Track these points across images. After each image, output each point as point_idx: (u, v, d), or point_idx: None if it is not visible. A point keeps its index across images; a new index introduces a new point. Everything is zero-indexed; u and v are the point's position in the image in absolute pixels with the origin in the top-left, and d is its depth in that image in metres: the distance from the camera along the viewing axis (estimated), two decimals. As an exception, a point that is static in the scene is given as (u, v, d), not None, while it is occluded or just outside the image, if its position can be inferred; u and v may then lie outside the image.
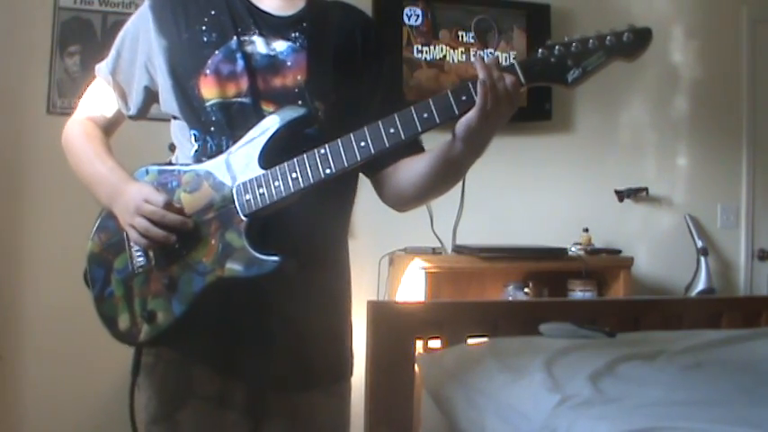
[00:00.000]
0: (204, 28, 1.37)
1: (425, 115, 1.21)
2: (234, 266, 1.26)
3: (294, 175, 1.25)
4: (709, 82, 3.67)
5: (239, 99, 1.34)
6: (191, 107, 1.36)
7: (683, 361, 1.90)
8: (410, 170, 1.38)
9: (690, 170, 3.67)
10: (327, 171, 1.24)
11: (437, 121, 1.21)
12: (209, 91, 1.34)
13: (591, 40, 1.17)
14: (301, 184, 1.25)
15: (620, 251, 3.30)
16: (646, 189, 3.49)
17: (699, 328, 2.33)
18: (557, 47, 1.18)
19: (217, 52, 1.35)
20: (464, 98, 1.20)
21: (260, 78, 1.35)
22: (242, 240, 1.26)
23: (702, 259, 3.46)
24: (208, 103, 1.34)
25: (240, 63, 1.34)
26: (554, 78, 1.20)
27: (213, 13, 1.38)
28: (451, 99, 1.21)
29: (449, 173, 1.34)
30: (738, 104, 3.70)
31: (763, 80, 3.69)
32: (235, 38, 1.36)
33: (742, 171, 3.70)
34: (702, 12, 3.66)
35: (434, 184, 1.38)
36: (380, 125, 1.23)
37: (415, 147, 1.42)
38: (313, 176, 1.25)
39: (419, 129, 1.22)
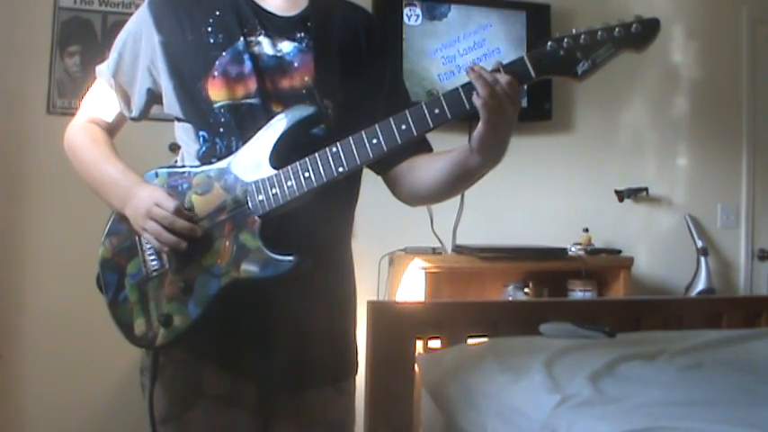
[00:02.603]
0: (210, 29, 1.36)
1: (437, 111, 1.20)
2: (250, 268, 1.25)
3: (307, 174, 1.25)
4: (709, 82, 3.67)
5: (248, 100, 1.34)
6: (198, 109, 1.36)
7: (683, 361, 1.90)
8: (427, 172, 1.38)
9: (690, 170, 3.67)
10: (340, 169, 1.24)
11: (448, 116, 1.20)
12: (217, 93, 1.34)
13: (599, 32, 1.16)
14: (314, 183, 1.25)
15: (620, 251, 3.30)
16: (646, 189, 3.49)
17: (699, 328, 2.33)
18: (565, 39, 1.17)
19: (224, 53, 1.34)
20: (475, 92, 1.18)
21: (267, 79, 1.35)
22: (257, 241, 1.26)
23: (702, 259, 3.46)
24: (216, 105, 1.34)
25: (248, 64, 1.34)
26: (564, 71, 1.18)
27: (218, 13, 1.37)
28: (462, 94, 1.20)
29: (467, 180, 1.35)
30: (738, 104, 3.70)
31: (763, 80, 3.69)
32: (242, 39, 1.35)
33: (742, 171, 3.71)
34: (702, 12, 3.66)
35: (451, 189, 1.39)
36: (392, 122, 1.22)
37: (423, 145, 1.42)
38: (326, 175, 1.24)
39: (431, 125, 1.21)
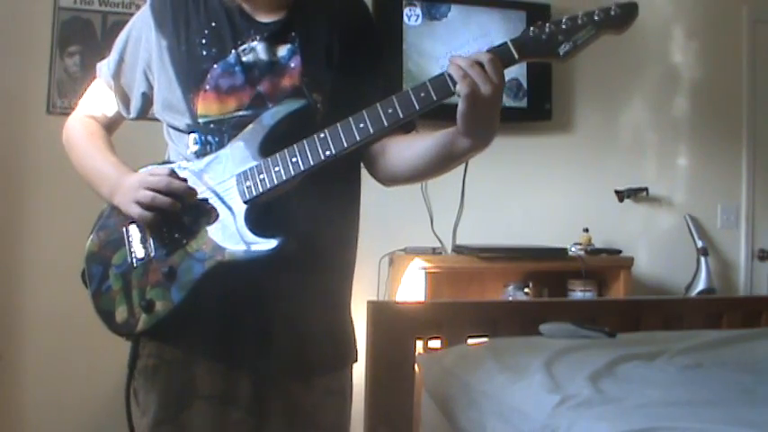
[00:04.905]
0: (204, 41, 1.36)
1: (422, 94, 1.22)
2: (234, 250, 1.26)
3: (294, 159, 1.26)
4: (709, 82, 3.67)
5: (239, 113, 1.34)
6: (184, 118, 1.37)
7: (683, 361, 1.90)
8: (409, 151, 1.36)
9: (690, 170, 3.67)
10: (327, 153, 1.25)
11: (434, 98, 1.22)
12: (208, 107, 1.34)
13: (580, 17, 1.21)
14: (302, 167, 1.25)
15: (620, 251, 3.29)
16: (646, 189, 3.49)
17: (699, 328, 2.33)
18: (547, 25, 1.21)
19: (215, 66, 1.35)
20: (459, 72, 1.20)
21: (262, 85, 1.35)
22: (242, 226, 1.27)
23: (702, 259, 3.46)
24: (202, 121, 1.35)
25: (240, 77, 1.34)
26: (546, 53, 1.22)
27: (214, 25, 1.38)
28: (448, 78, 1.22)
29: (453, 162, 1.33)
30: (738, 104, 3.70)
31: (763, 80, 3.69)
32: (233, 51, 1.35)
33: (742, 171, 3.71)
34: (702, 12, 3.66)
35: (434, 171, 1.37)
36: (378, 107, 1.24)
37: (406, 125, 1.40)
38: (313, 159, 1.25)
39: (417, 107, 1.22)
